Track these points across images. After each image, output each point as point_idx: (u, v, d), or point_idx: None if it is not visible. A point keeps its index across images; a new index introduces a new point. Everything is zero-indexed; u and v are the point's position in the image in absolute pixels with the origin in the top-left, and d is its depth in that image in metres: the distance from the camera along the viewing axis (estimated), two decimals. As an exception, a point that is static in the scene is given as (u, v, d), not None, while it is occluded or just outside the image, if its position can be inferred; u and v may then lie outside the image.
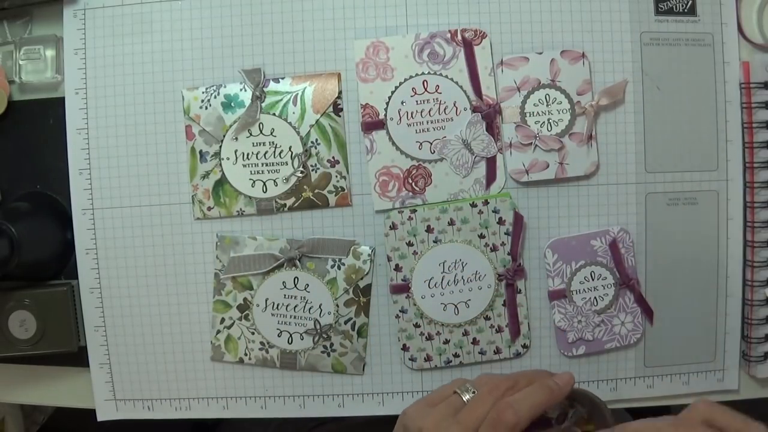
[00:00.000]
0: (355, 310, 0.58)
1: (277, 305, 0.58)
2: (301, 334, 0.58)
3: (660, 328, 0.59)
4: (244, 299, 0.58)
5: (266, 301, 0.58)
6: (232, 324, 0.59)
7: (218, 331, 0.59)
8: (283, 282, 0.58)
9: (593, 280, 0.57)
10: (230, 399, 0.60)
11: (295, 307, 0.58)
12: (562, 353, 0.58)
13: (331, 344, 0.58)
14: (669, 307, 0.58)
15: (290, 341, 0.58)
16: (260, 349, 0.59)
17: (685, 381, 0.59)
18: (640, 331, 0.58)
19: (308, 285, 0.58)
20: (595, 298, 0.57)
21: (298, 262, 0.58)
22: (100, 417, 0.61)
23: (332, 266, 0.58)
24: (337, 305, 0.58)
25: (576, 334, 0.58)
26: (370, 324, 0.58)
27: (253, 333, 0.59)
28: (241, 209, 0.58)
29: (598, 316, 0.57)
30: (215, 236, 0.58)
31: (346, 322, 0.58)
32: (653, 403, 0.60)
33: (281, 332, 0.58)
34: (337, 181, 0.57)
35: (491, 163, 0.57)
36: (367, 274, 0.58)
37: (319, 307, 0.58)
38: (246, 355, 0.59)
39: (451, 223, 0.57)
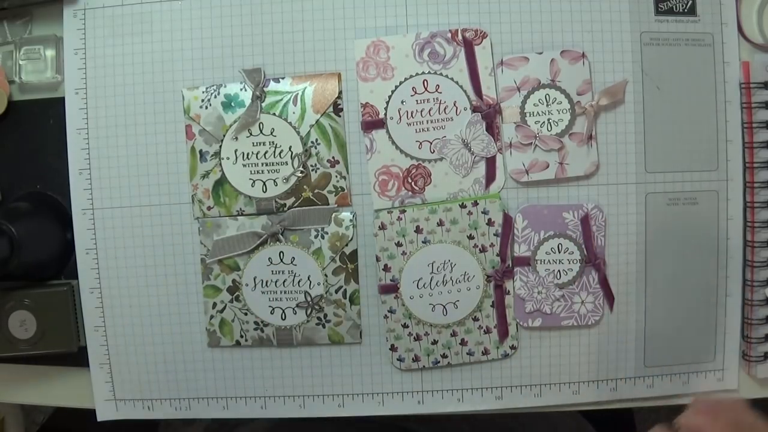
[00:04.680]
0: (344, 278, 0.58)
1: (266, 282, 0.58)
2: (293, 309, 0.58)
3: (660, 327, 0.59)
4: (233, 281, 0.58)
5: (255, 279, 0.58)
6: (224, 307, 0.59)
7: (211, 317, 0.59)
8: (269, 258, 0.58)
9: (560, 252, 0.57)
10: (230, 399, 0.60)
11: (284, 281, 0.58)
12: (518, 323, 0.58)
13: (325, 315, 0.58)
14: (669, 307, 0.58)
15: (284, 317, 0.58)
16: (255, 329, 0.59)
17: (685, 381, 0.59)
18: (599, 314, 0.58)
19: (294, 258, 0.58)
20: (559, 271, 0.57)
21: (281, 236, 0.57)
22: (100, 417, 0.61)
23: (315, 236, 0.57)
24: (326, 275, 0.58)
25: (534, 304, 0.57)
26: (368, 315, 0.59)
27: (245, 314, 0.59)
28: (240, 209, 0.58)
29: (560, 290, 0.57)
30: (197, 222, 0.58)
31: (336, 291, 0.58)
32: (653, 403, 0.60)
33: (273, 309, 0.58)
34: (337, 181, 0.57)
35: (491, 163, 0.57)
36: (352, 239, 0.57)
37: (308, 278, 0.58)
38: (242, 336, 0.59)
39: (440, 223, 0.57)
